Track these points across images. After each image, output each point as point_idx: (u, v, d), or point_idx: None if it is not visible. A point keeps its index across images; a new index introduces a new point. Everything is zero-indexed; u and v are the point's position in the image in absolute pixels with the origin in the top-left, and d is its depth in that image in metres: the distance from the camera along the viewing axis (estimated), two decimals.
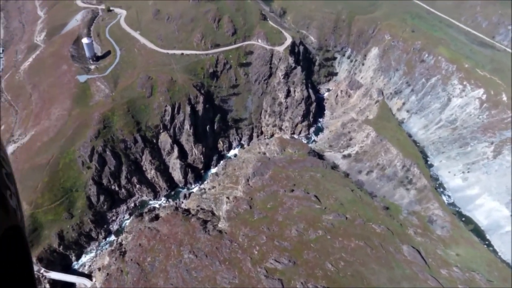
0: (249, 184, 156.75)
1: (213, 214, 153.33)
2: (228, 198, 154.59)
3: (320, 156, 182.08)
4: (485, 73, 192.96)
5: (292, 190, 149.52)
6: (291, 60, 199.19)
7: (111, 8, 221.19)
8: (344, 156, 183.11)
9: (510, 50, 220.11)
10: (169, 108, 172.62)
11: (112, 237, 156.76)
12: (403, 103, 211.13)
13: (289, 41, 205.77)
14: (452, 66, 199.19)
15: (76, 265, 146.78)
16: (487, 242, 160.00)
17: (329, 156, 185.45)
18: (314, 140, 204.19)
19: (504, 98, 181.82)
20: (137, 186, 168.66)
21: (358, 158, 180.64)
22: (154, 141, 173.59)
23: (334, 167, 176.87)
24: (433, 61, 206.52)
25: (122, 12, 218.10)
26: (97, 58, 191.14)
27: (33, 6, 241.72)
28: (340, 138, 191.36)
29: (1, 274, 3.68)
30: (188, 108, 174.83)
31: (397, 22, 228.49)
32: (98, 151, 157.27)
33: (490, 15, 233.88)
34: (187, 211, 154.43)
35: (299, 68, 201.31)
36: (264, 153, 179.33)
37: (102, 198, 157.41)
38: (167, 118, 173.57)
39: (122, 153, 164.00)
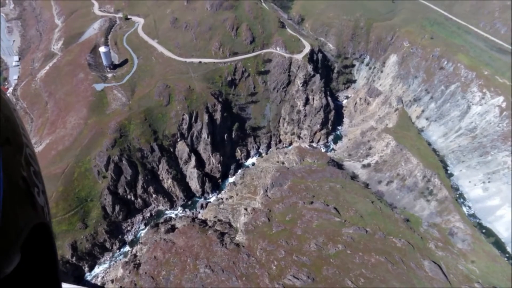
0: (267, 196, 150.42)
1: (231, 225, 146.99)
2: (246, 209, 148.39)
3: (339, 166, 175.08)
4: (505, 80, 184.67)
5: (312, 202, 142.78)
6: (309, 68, 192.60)
7: (128, 17, 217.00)
8: (364, 166, 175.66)
9: None
10: (186, 117, 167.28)
11: (127, 248, 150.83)
12: (422, 111, 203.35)
13: (307, 49, 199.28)
14: (471, 73, 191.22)
15: (88, 276, 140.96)
16: (507, 255, 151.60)
17: (348, 166, 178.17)
18: (332, 149, 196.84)
19: None
20: (154, 195, 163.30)
21: (378, 168, 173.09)
22: (171, 150, 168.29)
23: (354, 177, 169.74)
24: (452, 68, 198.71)
25: (139, 21, 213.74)
26: (114, 67, 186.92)
27: (50, 15, 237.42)
28: (359, 147, 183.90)
29: (29, 271, 3.77)
30: (206, 117, 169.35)
31: (415, 28, 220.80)
32: (114, 160, 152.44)
33: (508, 20, 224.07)
34: (204, 222, 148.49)
35: (318, 76, 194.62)
36: (283, 163, 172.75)
37: (117, 208, 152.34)
38: (185, 126, 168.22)
39: (138, 162, 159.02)
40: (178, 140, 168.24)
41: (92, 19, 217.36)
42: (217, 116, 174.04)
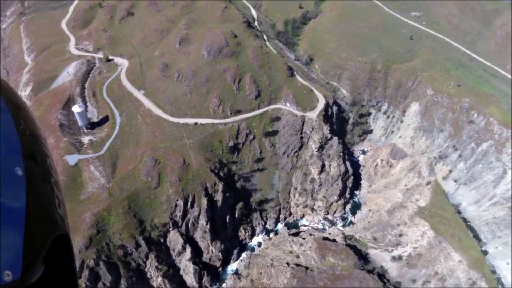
0: None
1: None
2: None
3: (365, 258, 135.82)
4: None
5: None
6: (326, 130, 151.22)
7: (110, 57, 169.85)
8: (394, 258, 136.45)
9: None
10: (180, 203, 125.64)
11: None
12: (450, 171, 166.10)
13: (322, 103, 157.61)
14: (506, 131, 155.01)
15: None
16: None
17: (375, 256, 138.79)
18: (351, 221, 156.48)
19: None
20: None
21: (412, 263, 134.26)
22: (162, 240, 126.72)
23: (383, 274, 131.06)
24: (484, 123, 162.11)
25: (123, 63, 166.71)
26: (92, 125, 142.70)
27: (19, 50, 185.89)
28: (387, 231, 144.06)
29: (50, 281, 3.72)
30: (204, 201, 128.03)
31: (439, 73, 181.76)
32: (89, 265, 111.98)
33: None
34: None
35: (335, 138, 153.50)
36: (298, 256, 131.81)
37: None
38: (178, 214, 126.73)
39: (120, 262, 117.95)
40: (170, 229, 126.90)
41: (67, 60, 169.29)
42: (218, 197, 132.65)
